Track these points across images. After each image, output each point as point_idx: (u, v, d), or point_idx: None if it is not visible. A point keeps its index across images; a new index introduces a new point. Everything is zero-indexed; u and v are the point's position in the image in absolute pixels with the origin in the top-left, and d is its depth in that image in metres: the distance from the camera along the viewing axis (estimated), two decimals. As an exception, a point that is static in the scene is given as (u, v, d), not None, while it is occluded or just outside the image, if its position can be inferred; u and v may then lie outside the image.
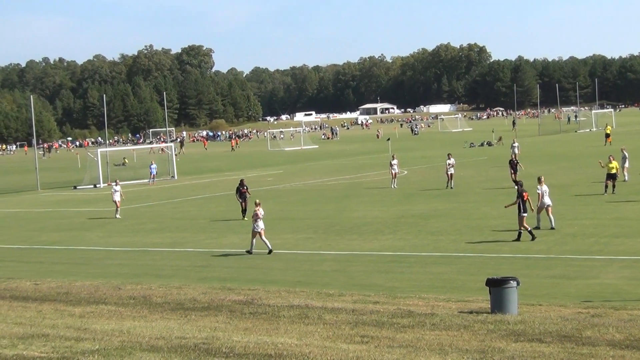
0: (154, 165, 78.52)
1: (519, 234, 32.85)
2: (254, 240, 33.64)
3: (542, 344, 15.99)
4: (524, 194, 33.20)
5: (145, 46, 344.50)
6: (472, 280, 25.17)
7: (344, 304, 21.89)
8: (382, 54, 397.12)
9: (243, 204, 45.61)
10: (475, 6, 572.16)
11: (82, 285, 27.33)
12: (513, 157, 56.22)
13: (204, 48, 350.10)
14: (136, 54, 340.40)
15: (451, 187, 54.41)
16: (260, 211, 33.46)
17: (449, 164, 55.57)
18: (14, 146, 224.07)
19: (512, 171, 54.74)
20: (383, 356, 15.04)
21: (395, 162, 58.12)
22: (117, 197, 50.09)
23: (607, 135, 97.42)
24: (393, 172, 57.89)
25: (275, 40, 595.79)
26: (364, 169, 78.23)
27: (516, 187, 34.61)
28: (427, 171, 72.18)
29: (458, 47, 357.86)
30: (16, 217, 54.53)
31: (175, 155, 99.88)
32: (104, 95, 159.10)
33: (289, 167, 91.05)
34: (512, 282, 19.75)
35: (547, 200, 35.90)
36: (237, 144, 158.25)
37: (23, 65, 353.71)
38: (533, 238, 32.48)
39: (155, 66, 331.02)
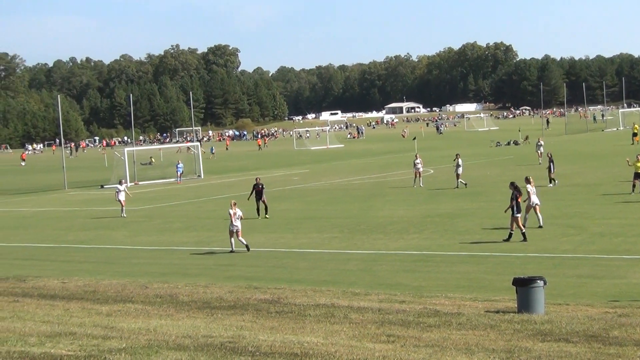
0: (180, 165, 78.72)
1: (510, 235, 33.04)
2: (232, 240, 34.37)
3: (569, 344, 15.92)
4: (518, 195, 33.29)
5: (172, 46, 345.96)
6: (498, 280, 25.08)
7: (370, 303, 21.86)
8: (408, 53, 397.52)
9: (259, 202, 45.73)
10: (502, 5, 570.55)
11: (109, 284, 27.43)
12: (548, 155, 55.33)
13: (230, 48, 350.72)
14: (163, 53, 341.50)
15: (465, 185, 54.36)
16: (238, 211, 34.20)
17: (458, 165, 55.69)
18: (40, 145, 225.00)
19: (549, 168, 54.13)
20: (409, 355, 15.01)
21: (418, 161, 58.02)
22: (122, 197, 50.57)
23: (635, 135, 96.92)
24: (416, 171, 57.83)
25: (301, 39, 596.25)
26: (390, 168, 78.15)
27: (511, 188, 34.59)
28: (453, 170, 71.91)
29: (484, 45, 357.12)
30: (44, 216, 54.81)
31: (211, 156, 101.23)
32: (131, 94, 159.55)
33: (314, 166, 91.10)
34: (539, 281, 19.67)
35: (535, 199, 36.11)
36: (264, 143, 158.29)
37: (50, 65, 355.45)
38: (524, 239, 32.62)
39: (182, 66, 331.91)
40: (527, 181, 36.30)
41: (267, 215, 45.37)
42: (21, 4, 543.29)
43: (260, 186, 46.34)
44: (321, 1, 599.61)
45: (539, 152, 73.57)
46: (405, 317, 19.46)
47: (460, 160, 56.17)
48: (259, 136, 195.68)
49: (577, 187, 51.38)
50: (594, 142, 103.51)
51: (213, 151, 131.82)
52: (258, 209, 45.79)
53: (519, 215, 33.13)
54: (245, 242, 34.20)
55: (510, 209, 33.29)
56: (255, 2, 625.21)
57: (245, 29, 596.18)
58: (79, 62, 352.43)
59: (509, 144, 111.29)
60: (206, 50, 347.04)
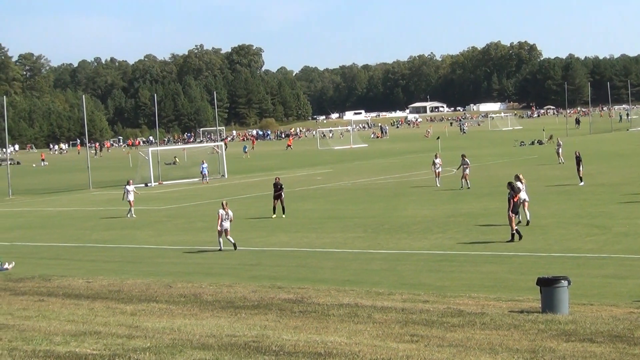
0: (204, 165, 78.75)
1: (513, 235, 32.99)
2: (221, 239, 35.00)
3: (593, 344, 15.87)
4: (514, 195, 33.33)
5: (196, 46, 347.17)
6: (522, 280, 25.02)
7: (393, 303, 21.85)
8: (431, 53, 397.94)
9: (276, 202, 45.86)
10: (526, 4, 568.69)
11: (134, 283, 27.53)
12: (576, 154, 54.84)
13: (254, 47, 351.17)
14: (187, 53, 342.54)
15: (468, 187, 54.20)
16: (230, 213, 35.11)
17: (465, 166, 55.55)
18: (64, 145, 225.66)
19: (577, 167, 53.82)
20: (433, 355, 15.01)
21: (438, 160, 57.98)
22: (131, 197, 50.85)
23: None
24: (436, 171, 57.76)
25: (325, 39, 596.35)
26: (414, 168, 78.05)
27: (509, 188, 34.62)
28: (477, 170, 71.82)
29: (508, 45, 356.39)
30: (68, 216, 55.05)
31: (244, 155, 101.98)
32: (155, 94, 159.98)
33: (338, 166, 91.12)
34: (563, 281, 19.62)
35: (523, 195, 36.31)
36: (292, 143, 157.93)
37: (75, 65, 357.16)
38: (512, 240, 32.71)
39: (206, 66, 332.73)
40: (517, 179, 36.24)
41: (283, 215, 45.49)
42: (46, 4, 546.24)
43: (279, 186, 46.38)
44: (345, 1, 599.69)
45: (559, 151, 73.43)
46: (429, 316, 19.45)
47: (467, 160, 56.02)
48: (289, 135, 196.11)
49: (602, 186, 51.16)
50: (618, 142, 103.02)
51: (246, 150, 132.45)
52: (274, 208, 45.95)
53: (513, 215, 33.24)
54: (233, 241, 34.83)
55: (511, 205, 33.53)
56: (279, 2, 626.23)
57: (269, 29, 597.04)
58: (103, 62, 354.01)
59: (532, 143, 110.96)
60: (230, 50, 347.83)
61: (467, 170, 55.57)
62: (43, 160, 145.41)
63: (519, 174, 37.64)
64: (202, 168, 78.40)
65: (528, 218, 36.44)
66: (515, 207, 33.47)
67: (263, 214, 47.81)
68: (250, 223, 44.47)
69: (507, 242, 32.63)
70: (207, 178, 77.96)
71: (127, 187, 51.64)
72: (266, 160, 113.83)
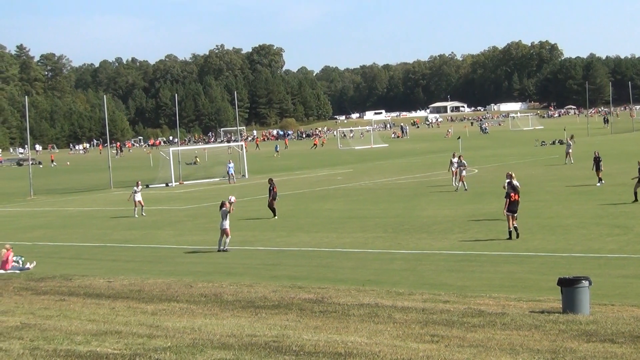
0: (231, 164, 78.76)
1: (516, 231, 33.35)
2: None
3: (614, 345, 15.82)
4: (512, 194, 33.45)
5: (217, 46, 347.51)
6: (543, 280, 24.94)
7: (413, 303, 21.83)
8: (452, 52, 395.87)
9: (273, 202, 46.09)
10: (547, 3, 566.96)
11: (154, 283, 27.61)
12: (595, 153, 54.48)
13: (275, 47, 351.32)
14: (207, 53, 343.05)
15: (465, 189, 53.87)
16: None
17: (455, 164, 55.53)
18: (81, 146, 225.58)
19: (596, 167, 53.53)
20: (453, 355, 14.99)
21: (455, 160, 57.65)
22: (138, 197, 51.51)
23: None
24: (453, 170, 57.44)
25: (345, 39, 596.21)
26: (434, 168, 77.92)
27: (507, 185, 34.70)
28: (498, 170, 71.68)
29: (529, 44, 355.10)
30: (90, 216, 55.25)
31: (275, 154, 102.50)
32: (176, 94, 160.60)
33: (358, 166, 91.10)
34: (584, 281, 19.55)
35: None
36: (318, 143, 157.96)
37: (96, 65, 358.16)
38: (510, 238, 33.12)
39: (227, 66, 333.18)
40: (508, 177, 36.05)
41: (275, 217, 45.78)
42: (68, 4, 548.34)
43: (273, 186, 47.02)
44: (365, 1, 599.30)
45: (569, 151, 73.50)
46: (450, 317, 19.42)
47: (464, 162, 55.94)
48: (318, 135, 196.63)
49: (623, 186, 50.90)
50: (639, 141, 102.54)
51: (277, 149, 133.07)
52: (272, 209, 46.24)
53: (509, 214, 33.48)
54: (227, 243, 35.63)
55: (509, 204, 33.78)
56: (300, 2, 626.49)
57: (289, 29, 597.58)
58: (124, 62, 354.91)
59: (553, 143, 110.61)
60: (250, 50, 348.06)
61: (464, 172, 55.46)
62: (52, 161, 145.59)
63: (511, 172, 37.56)
64: (229, 168, 78.44)
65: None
66: (511, 206, 33.46)
67: (283, 214, 47.83)
68: (270, 223, 44.50)
69: (506, 239, 32.79)
70: (234, 178, 78.06)
71: (136, 188, 52.13)
72: (289, 160, 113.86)
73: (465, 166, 55.76)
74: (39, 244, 42.15)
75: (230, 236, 35.48)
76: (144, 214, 51.33)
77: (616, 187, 51.00)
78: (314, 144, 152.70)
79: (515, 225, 33.60)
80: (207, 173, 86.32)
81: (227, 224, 35.36)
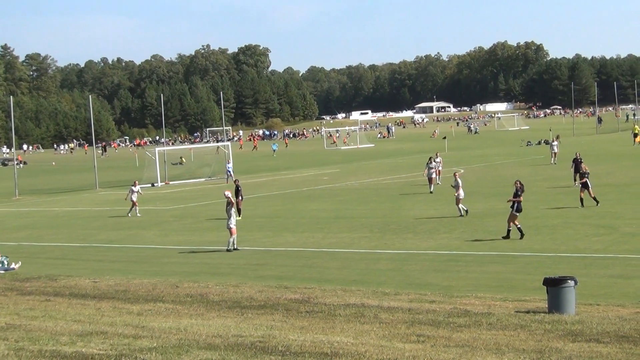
0: (230, 164, 78.68)
1: (520, 230, 33.38)
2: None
3: (600, 344, 15.86)
4: (520, 194, 33.50)
5: (203, 46, 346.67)
6: (529, 280, 24.99)
7: (400, 303, 21.85)
8: (438, 53, 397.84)
9: (239, 203, 46.34)
10: (533, 4, 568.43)
11: (140, 283, 27.57)
12: (577, 154, 54.32)
13: (261, 47, 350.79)
14: (193, 53, 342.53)
15: (431, 192, 53.84)
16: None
17: (432, 167, 55.70)
18: (68, 145, 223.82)
19: (575, 168, 53.21)
20: (439, 355, 15.01)
21: (438, 160, 58.63)
22: (135, 197, 51.38)
23: (635, 135, 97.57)
24: (432, 172, 57.03)
25: (331, 39, 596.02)
26: (420, 168, 77.77)
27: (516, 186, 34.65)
28: (484, 170, 71.83)
29: (515, 45, 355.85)
30: (75, 216, 55.09)
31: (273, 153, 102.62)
32: (162, 94, 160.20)
33: (345, 166, 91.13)
34: (569, 281, 19.60)
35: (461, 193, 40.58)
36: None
37: (82, 65, 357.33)
38: (507, 237, 33.27)
39: (212, 66, 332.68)
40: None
41: (239, 217, 45.93)
42: (53, 4, 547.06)
43: (237, 187, 47.40)
44: (351, 1, 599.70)
45: (552, 152, 73.83)
46: (436, 317, 19.45)
47: (434, 163, 56.19)
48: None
49: (608, 187, 51.08)
50: (625, 142, 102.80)
51: (275, 148, 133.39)
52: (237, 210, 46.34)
53: (517, 214, 33.55)
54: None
55: (511, 204, 33.54)
56: (286, 2, 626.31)
57: (275, 29, 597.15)
58: (110, 62, 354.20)
59: (539, 143, 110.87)
60: (236, 50, 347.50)
61: (439, 167, 55.94)
62: (20, 162, 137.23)
63: (456, 171, 37.73)
64: (228, 167, 78.37)
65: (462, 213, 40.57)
66: (519, 206, 33.52)
67: (269, 214, 47.86)
68: (256, 223, 44.48)
69: (503, 237, 32.94)
70: (233, 178, 78.05)
71: (133, 187, 51.92)
72: (272, 160, 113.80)
73: (434, 167, 56.06)
74: (24, 244, 42.01)
75: (235, 235, 35.33)
76: (138, 214, 50.93)
77: (602, 187, 51.11)
78: (333, 141, 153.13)
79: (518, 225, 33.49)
80: (193, 173, 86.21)
81: (232, 222, 35.18)
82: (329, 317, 19.89)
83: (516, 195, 33.89)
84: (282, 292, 24.50)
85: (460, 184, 41.87)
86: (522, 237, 33.07)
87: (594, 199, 41.71)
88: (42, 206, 64.08)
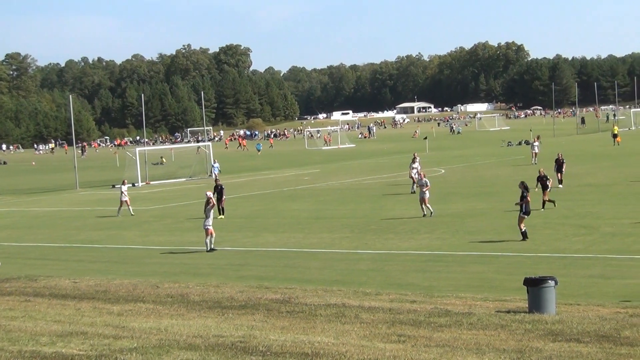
0: (216, 164, 78.54)
1: (523, 234, 33.06)
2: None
3: (580, 344, 15.91)
4: (527, 195, 33.26)
5: (184, 46, 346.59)
6: (509, 280, 25.04)
7: (380, 303, 21.86)
8: (419, 53, 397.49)
9: (219, 203, 46.45)
10: (513, 5, 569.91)
11: (120, 284, 27.49)
12: (559, 155, 54.28)
13: (242, 47, 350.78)
14: (174, 53, 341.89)
15: (412, 192, 53.67)
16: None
17: (415, 166, 55.82)
18: (49, 145, 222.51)
19: (557, 169, 53.27)
20: (420, 355, 15.02)
21: (416, 164, 57.52)
22: (125, 197, 51.37)
23: (615, 136, 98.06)
24: (414, 175, 56.99)
25: (313, 39, 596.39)
26: (401, 168, 77.98)
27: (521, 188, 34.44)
28: (465, 170, 71.97)
29: (496, 45, 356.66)
30: (55, 216, 54.90)
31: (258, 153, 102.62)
32: (142, 94, 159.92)
33: (326, 166, 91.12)
34: (550, 281, 19.65)
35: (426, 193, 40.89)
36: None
37: (62, 65, 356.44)
38: (524, 239, 32.82)
39: (193, 66, 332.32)
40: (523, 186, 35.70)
41: (222, 216, 45.78)
42: (33, 3, 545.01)
43: (220, 187, 47.55)
44: (333, 2, 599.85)
45: (533, 152, 74.22)
46: (416, 317, 19.46)
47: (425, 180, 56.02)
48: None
49: (589, 187, 51.28)
50: (605, 142, 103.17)
51: (260, 148, 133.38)
52: (219, 209, 46.11)
53: (525, 216, 33.26)
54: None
55: (519, 206, 33.46)
56: (268, 2, 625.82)
57: (256, 29, 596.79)
58: (90, 62, 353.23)
59: (520, 143, 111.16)
60: (218, 50, 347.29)
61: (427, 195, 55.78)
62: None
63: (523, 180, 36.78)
64: (214, 167, 78.26)
65: (426, 212, 41.02)
66: (527, 208, 33.35)
67: (250, 214, 47.84)
68: (237, 223, 44.43)
69: (521, 240, 32.54)
70: (215, 177, 77.97)
71: (123, 187, 51.80)
72: (253, 160, 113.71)
73: (427, 185, 51.82)
74: (3, 244, 41.84)
75: (213, 235, 35.25)
76: (132, 214, 50.82)
77: (582, 187, 51.36)
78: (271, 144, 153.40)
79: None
80: (173, 173, 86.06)
81: (209, 222, 35.11)
82: (310, 317, 19.88)
83: (522, 198, 33.63)
84: (263, 292, 24.48)
85: (429, 184, 42.29)
86: (524, 239, 32.82)
87: (550, 200, 41.89)
88: (22, 206, 63.81)
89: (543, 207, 41.67)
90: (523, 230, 33.02)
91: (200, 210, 48.17)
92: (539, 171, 43.64)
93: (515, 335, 16.92)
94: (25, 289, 26.98)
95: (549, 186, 42.81)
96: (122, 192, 51.38)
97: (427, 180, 42.23)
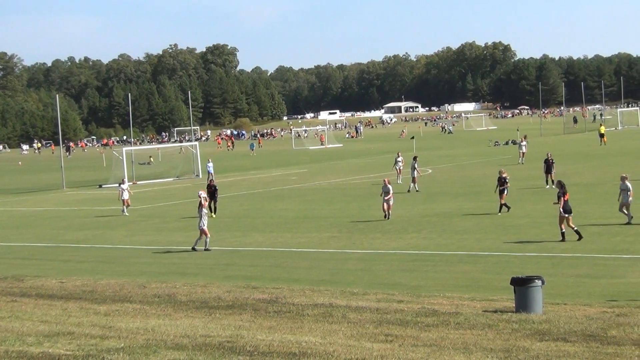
0: (210, 164, 78.31)
1: (563, 234, 32.16)
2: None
3: (567, 344, 15.92)
4: (566, 194, 32.73)
5: (170, 45, 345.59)
6: (497, 279, 25.08)
7: (368, 303, 21.86)
8: (406, 53, 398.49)
9: (212, 202, 46.50)
10: (500, 5, 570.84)
11: (107, 284, 27.43)
12: (548, 155, 54.13)
13: (229, 47, 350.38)
14: (161, 53, 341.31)
15: (406, 190, 54.08)
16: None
17: (399, 164, 60.23)
18: (36, 145, 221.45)
19: (547, 170, 53.09)
20: (407, 355, 15.01)
21: (400, 159, 61.54)
22: (126, 196, 51.07)
23: (602, 136, 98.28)
24: (398, 169, 61.15)
25: (300, 39, 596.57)
26: (388, 168, 77.99)
27: (558, 187, 33.97)
28: (452, 170, 72.04)
29: (483, 45, 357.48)
30: (42, 216, 54.76)
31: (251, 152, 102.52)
32: (129, 94, 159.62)
33: (313, 166, 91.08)
34: (537, 281, 19.68)
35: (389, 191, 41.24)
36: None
37: (49, 64, 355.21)
38: (563, 239, 31.77)
39: (180, 65, 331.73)
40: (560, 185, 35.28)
41: (214, 215, 45.82)
42: (20, 3, 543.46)
43: (213, 187, 47.71)
44: (320, 2, 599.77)
45: (520, 151, 74.61)
46: (404, 316, 19.46)
47: (400, 159, 59.71)
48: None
49: (576, 186, 51.30)
50: (592, 142, 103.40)
51: (253, 148, 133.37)
52: (211, 208, 46.14)
53: (567, 215, 32.27)
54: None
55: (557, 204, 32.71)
56: (254, 2, 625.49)
57: (243, 29, 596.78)
58: (77, 61, 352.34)
59: (507, 143, 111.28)
60: (205, 50, 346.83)
61: (400, 166, 60.42)
62: None
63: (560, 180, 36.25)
64: (208, 167, 78.03)
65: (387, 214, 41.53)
66: (566, 206, 32.57)
67: (238, 214, 47.80)
68: (225, 223, 44.38)
69: (560, 241, 31.66)
70: (214, 177, 77.82)
71: (122, 185, 51.69)
72: (241, 160, 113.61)
73: (400, 164, 60.40)
74: (-10, 244, 41.73)
75: (208, 236, 35.13)
76: (126, 213, 50.71)
77: (569, 187, 51.17)
78: (259, 144, 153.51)
79: (574, 226, 32.33)
80: (161, 173, 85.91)
81: (204, 223, 34.89)
82: (297, 317, 19.86)
83: (559, 197, 32.87)
84: (251, 292, 24.46)
85: (391, 190, 41.64)
86: (579, 239, 31.69)
87: (505, 205, 40.94)
88: (9, 206, 63.63)
89: (500, 210, 40.80)
90: (562, 231, 31.98)
91: (187, 210, 48.28)
92: (500, 172, 42.50)
93: (503, 334, 16.94)
94: (11, 289, 26.89)
95: (507, 190, 41.72)
96: (122, 191, 51.10)
97: (390, 187, 41.73)
